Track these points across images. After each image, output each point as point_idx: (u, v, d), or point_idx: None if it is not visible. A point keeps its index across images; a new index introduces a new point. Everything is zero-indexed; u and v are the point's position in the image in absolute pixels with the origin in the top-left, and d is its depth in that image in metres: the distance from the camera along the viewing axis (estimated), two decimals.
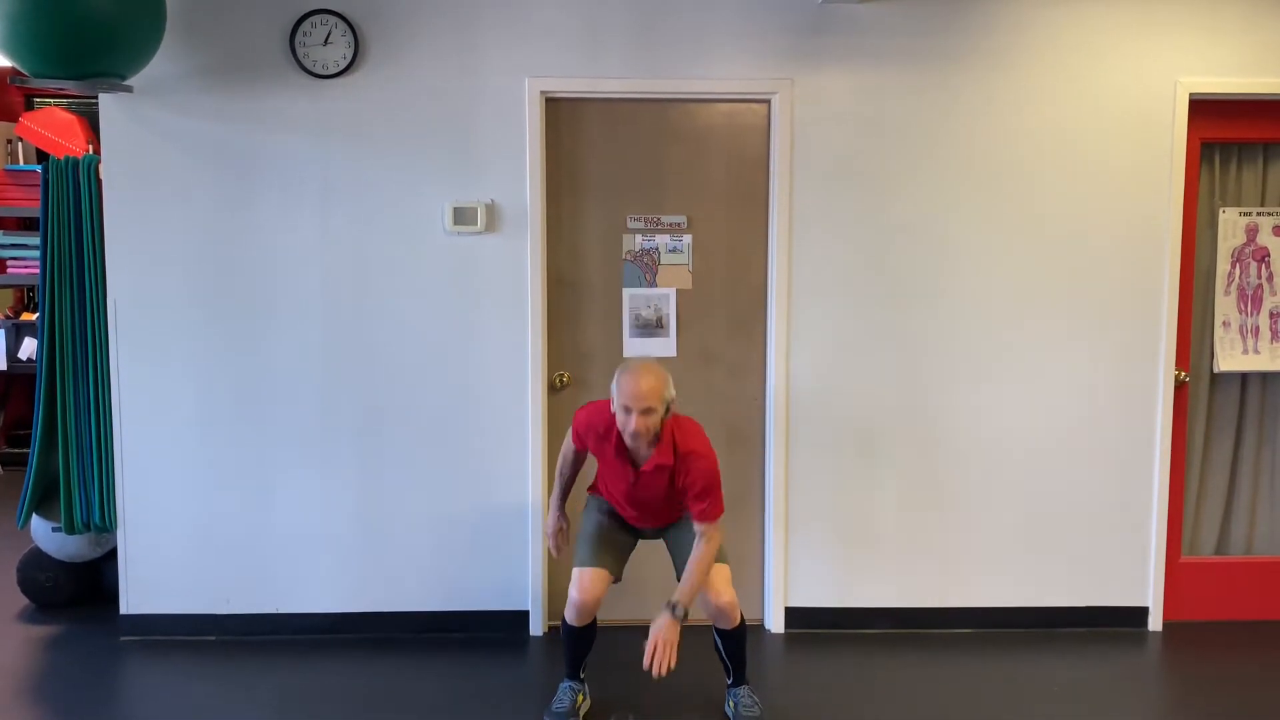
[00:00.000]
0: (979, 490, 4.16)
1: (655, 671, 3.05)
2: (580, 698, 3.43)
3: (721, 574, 3.27)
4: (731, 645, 3.37)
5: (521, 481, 4.09)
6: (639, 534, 3.50)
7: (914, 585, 4.19)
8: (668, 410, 3.17)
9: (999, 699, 3.61)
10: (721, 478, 3.26)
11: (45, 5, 3.32)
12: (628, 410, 3.10)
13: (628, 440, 3.16)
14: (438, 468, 4.08)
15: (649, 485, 3.24)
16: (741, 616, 3.34)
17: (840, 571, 4.19)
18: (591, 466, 3.58)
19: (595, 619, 3.38)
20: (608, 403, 3.26)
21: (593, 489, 3.51)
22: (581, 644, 3.42)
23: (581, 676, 3.47)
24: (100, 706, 3.53)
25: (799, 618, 4.20)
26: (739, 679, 3.42)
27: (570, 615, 3.34)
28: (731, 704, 3.41)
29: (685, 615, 3.13)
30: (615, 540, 3.39)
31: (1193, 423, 4.33)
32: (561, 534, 3.57)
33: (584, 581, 3.29)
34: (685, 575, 3.20)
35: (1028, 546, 4.19)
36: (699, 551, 3.18)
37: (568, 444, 3.48)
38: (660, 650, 3.06)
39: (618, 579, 3.41)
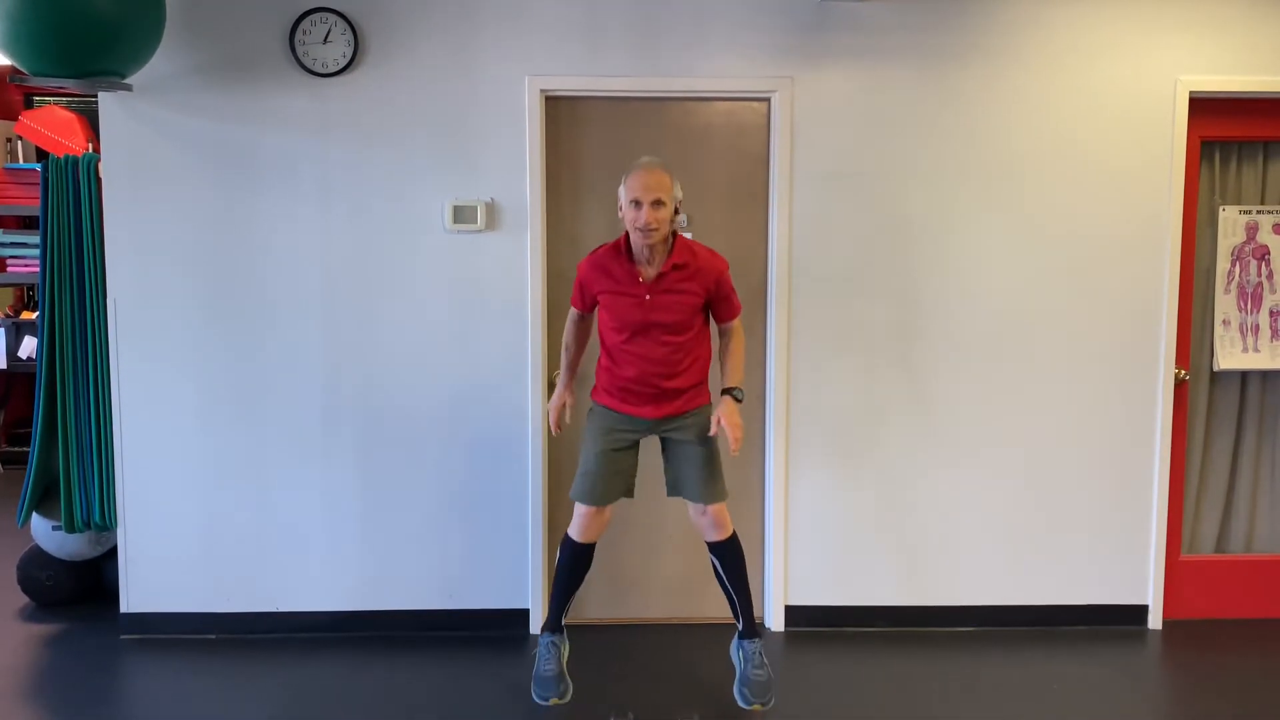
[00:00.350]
0: (979, 487, 4.16)
1: (735, 450, 3.24)
2: (564, 649, 3.43)
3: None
4: (727, 561, 3.35)
5: (521, 478, 4.09)
6: (644, 428, 3.35)
7: (914, 583, 4.19)
8: (676, 212, 3.21)
9: (998, 697, 3.61)
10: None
11: (45, 4, 3.32)
12: (638, 204, 3.12)
13: (639, 237, 3.17)
14: (438, 465, 4.08)
15: (663, 301, 3.22)
16: (734, 532, 3.36)
17: (840, 570, 4.19)
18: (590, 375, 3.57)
19: (594, 545, 3.39)
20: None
21: (595, 392, 3.42)
22: (579, 568, 3.39)
23: (562, 625, 3.44)
24: (100, 704, 3.54)
25: (799, 616, 4.20)
26: (749, 628, 3.37)
27: (575, 531, 3.36)
28: (740, 655, 3.36)
29: (741, 396, 3.32)
30: (618, 467, 3.35)
31: (1193, 421, 4.33)
32: (563, 409, 3.53)
33: (586, 522, 3.34)
34: (726, 364, 3.37)
35: (1027, 544, 4.19)
36: (732, 343, 3.40)
37: (571, 314, 3.49)
38: (733, 430, 3.21)
39: (629, 496, 3.41)
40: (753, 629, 3.39)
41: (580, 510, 3.35)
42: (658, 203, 3.12)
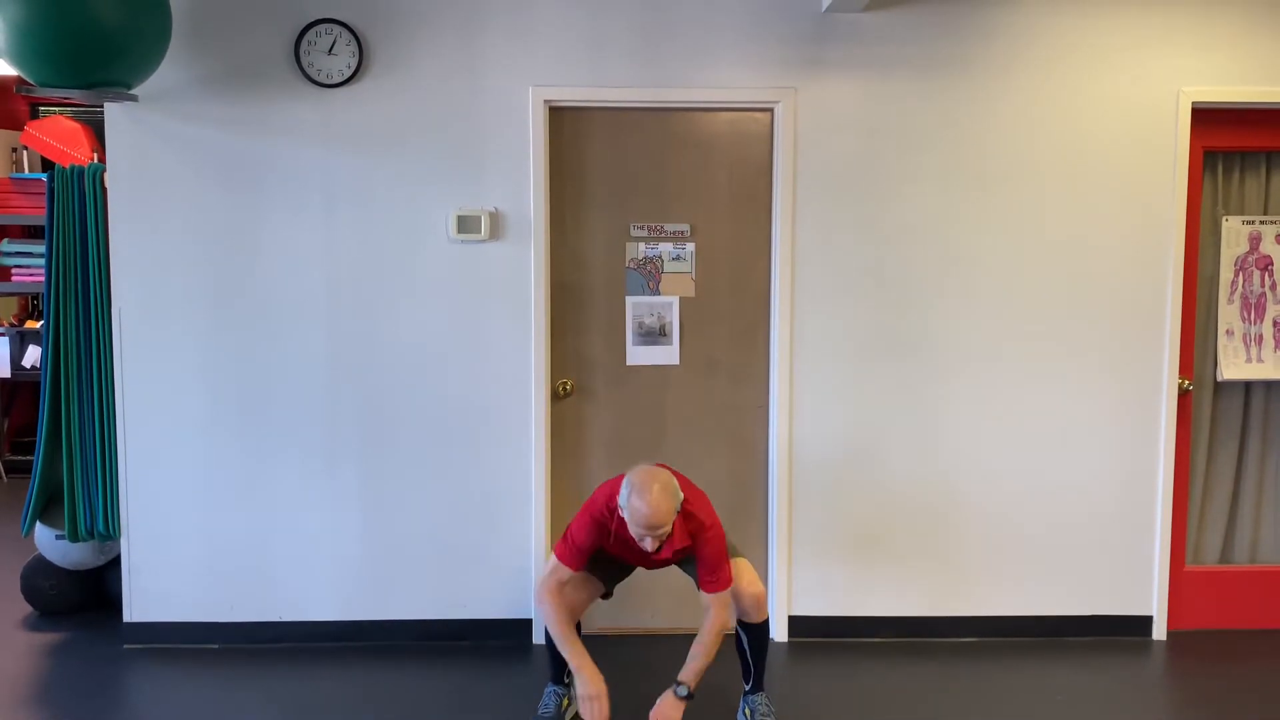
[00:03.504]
0: (981, 498, 4.16)
1: None
2: (565, 702, 3.44)
3: (748, 568, 3.31)
4: (755, 642, 3.35)
5: (525, 489, 4.09)
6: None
7: (918, 594, 4.19)
8: (677, 514, 3.07)
9: (1003, 708, 3.60)
10: (724, 519, 3.38)
11: (51, 14, 3.34)
12: (642, 536, 3.01)
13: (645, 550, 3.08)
14: (441, 475, 4.08)
15: (663, 560, 3.26)
16: (767, 618, 3.35)
17: (844, 581, 4.18)
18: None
19: (579, 624, 3.36)
20: (598, 509, 3.15)
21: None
22: None
23: (566, 681, 3.47)
24: (103, 714, 3.53)
25: (803, 627, 4.19)
26: (756, 685, 3.40)
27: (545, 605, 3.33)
28: (747, 711, 3.40)
29: (690, 696, 3.10)
30: (612, 562, 3.36)
31: (1196, 431, 4.32)
32: (604, 699, 3.10)
33: (555, 584, 3.27)
34: (693, 653, 3.12)
35: (1030, 555, 4.18)
36: (709, 624, 3.13)
37: (558, 576, 3.17)
38: None
39: (608, 595, 3.41)
40: (760, 685, 3.42)
41: (556, 570, 3.20)
42: (664, 534, 3.02)
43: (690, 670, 3.12)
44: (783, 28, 3.99)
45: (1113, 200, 4.09)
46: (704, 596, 3.16)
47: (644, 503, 2.96)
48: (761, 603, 3.27)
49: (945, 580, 4.18)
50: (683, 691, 3.10)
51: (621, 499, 3.03)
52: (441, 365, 4.05)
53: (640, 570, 3.44)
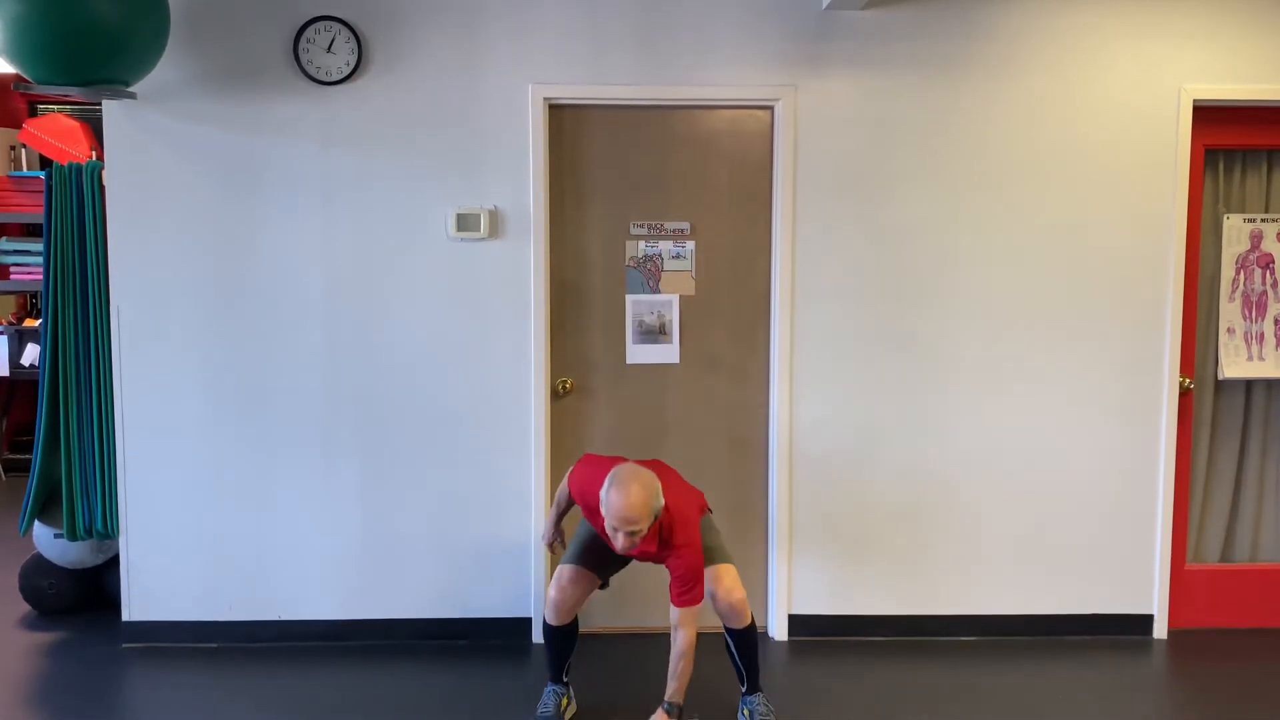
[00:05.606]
0: (982, 497, 4.15)
1: None
2: (564, 701, 3.44)
3: (730, 573, 3.28)
4: (744, 646, 3.35)
5: (524, 487, 4.09)
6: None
7: (918, 593, 4.18)
8: (655, 517, 3.03)
9: (1003, 707, 3.60)
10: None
11: (49, 12, 3.33)
12: (615, 530, 3.01)
13: (615, 547, 3.09)
14: (440, 474, 4.08)
15: (638, 555, 3.20)
16: (752, 617, 3.33)
17: (844, 579, 4.17)
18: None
19: (576, 619, 3.38)
20: (590, 490, 3.18)
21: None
22: (562, 645, 3.41)
23: (565, 680, 3.47)
24: (102, 713, 3.53)
25: (802, 625, 4.19)
26: (752, 686, 3.40)
27: (549, 614, 3.35)
28: (746, 712, 3.40)
29: (681, 713, 3.14)
30: (607, 552, 3.35)
31: (1197, 429, 4.32)
32: (556, 543, 3.56)
33: (562, 579, 3.32)
34: (672, 671, 3.14)
35: (1031, 553, 4.18)
36: (680, 644, 3.11)
37: (564, 489, 3.39)
38: None
39: (604, 585, 3.41)
40: (756, 686, 3.42)
41: (555, 576, 3.32)
42: (634, 532, 2.99)
43: (674, 689, 3.14)
44: (783, 25, 3.98)
45: (1113, 198, 4.08)
46: (673, 611, 3.11)
47: (620, 496, 2.96)
48: (740, 609, 3.25)
49: (945, 579, 4.18)
50: (673, 710, 3.13)
51: (602, 491, 3.03)
52: (440, 364, 4.05)
53: (639, 568, 3.43)
